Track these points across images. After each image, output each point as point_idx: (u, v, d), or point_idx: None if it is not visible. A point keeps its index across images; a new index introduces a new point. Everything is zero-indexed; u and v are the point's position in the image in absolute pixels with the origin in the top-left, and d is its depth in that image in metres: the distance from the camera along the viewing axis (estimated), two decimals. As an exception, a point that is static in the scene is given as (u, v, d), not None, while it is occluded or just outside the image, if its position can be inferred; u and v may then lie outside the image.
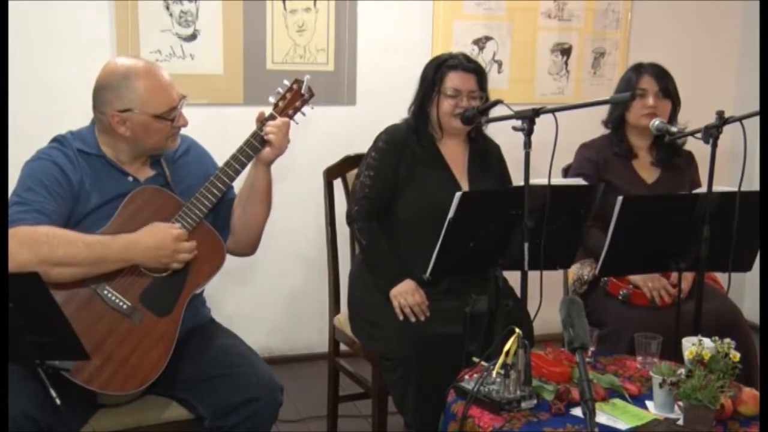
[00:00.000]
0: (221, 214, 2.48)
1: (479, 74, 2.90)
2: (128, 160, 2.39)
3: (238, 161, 2.40)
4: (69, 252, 2.14)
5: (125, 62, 2.35)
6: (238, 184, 2.52)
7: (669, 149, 3.21)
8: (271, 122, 2.43)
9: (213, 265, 2.38)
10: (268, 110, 2.48)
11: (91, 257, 2.17)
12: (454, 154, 2.97)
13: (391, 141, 2.91)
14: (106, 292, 2.22)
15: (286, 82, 2.51)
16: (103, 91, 2.31)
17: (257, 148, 2.42)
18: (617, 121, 3.22)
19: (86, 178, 2.31)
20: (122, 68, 2.32)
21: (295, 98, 2.50)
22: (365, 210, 2.89)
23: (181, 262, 2.28)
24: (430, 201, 2.79)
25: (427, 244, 2.51)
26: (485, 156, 3.01)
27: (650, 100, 3.12)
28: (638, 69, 3.20)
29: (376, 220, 2.90)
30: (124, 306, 2.23)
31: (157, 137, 2.35)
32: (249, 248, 2.58)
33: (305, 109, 2.53)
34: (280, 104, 2.49)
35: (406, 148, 2.90)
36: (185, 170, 2.49)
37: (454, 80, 2.87)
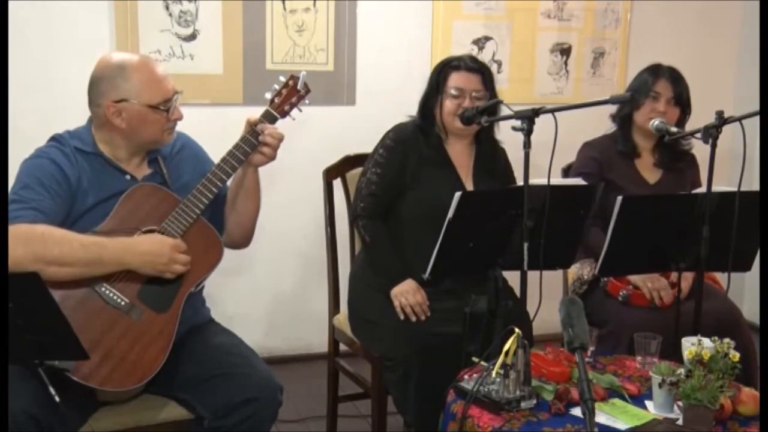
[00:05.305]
0: (216, 210, 2.48)
1: (484, 74, 2.90)
2: (125, 156, 2.39)
3: (235, 158, 2.39)
4: (64, 251, 2.14)
5: (119, 55, 2.41)
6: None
7: (672, 151, 3.21)
8: (270, 131, 2.41)
9: (210, 260, 2.37)
10: (258, 112, 2.46)
11: (86, 258, 2.17)
12: (461, 155, 2.97)
13: (398, 139, 2.90)
14: (104, 289, 2.22)
15: (282, 78, 2.51)
16: (99, 83, 2.32)
17: (254, 144, 2.41)
18: (624, 118, 3.22)
19: (84, 177, 2.31)
20: (117, 60, 2.35)
21: (291, 94, 2.50)
22: (371, 207, 2.88)
23: (174, 272, 2.27)
24: (434, 200, 2.78)
25: (430, 244, 2.50)
26: (492, 159, 3.00)
27: (661, 105, 3.11)
28: (656, 71, 3.17)
29: (381, 218, 2.90)
30: (122, 303, 2.23)
31: (152, 129, 2.35)
32: (243, 242, 2.60)
33: (301, 105, 2.53)
34: (276, 100, 2.49)
35: (413, 147, 2.89)
36: (181, 167, 2.49)
37: (456, 80, 2.87)
